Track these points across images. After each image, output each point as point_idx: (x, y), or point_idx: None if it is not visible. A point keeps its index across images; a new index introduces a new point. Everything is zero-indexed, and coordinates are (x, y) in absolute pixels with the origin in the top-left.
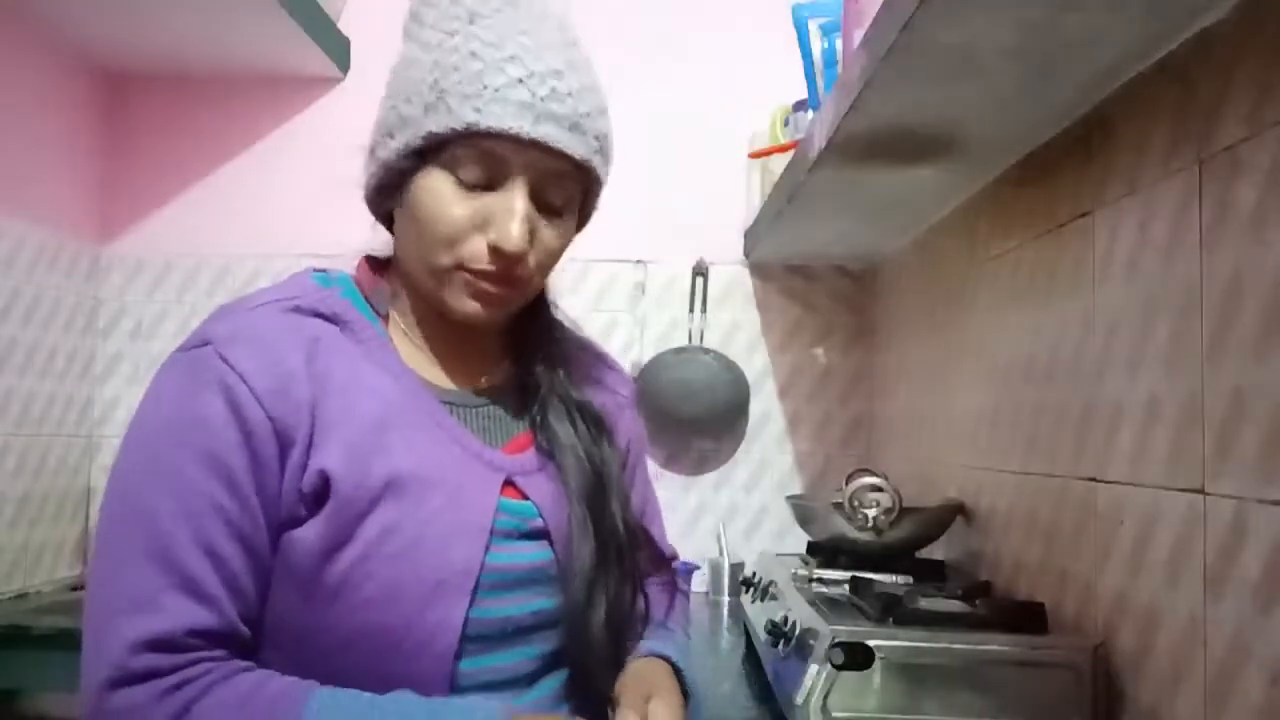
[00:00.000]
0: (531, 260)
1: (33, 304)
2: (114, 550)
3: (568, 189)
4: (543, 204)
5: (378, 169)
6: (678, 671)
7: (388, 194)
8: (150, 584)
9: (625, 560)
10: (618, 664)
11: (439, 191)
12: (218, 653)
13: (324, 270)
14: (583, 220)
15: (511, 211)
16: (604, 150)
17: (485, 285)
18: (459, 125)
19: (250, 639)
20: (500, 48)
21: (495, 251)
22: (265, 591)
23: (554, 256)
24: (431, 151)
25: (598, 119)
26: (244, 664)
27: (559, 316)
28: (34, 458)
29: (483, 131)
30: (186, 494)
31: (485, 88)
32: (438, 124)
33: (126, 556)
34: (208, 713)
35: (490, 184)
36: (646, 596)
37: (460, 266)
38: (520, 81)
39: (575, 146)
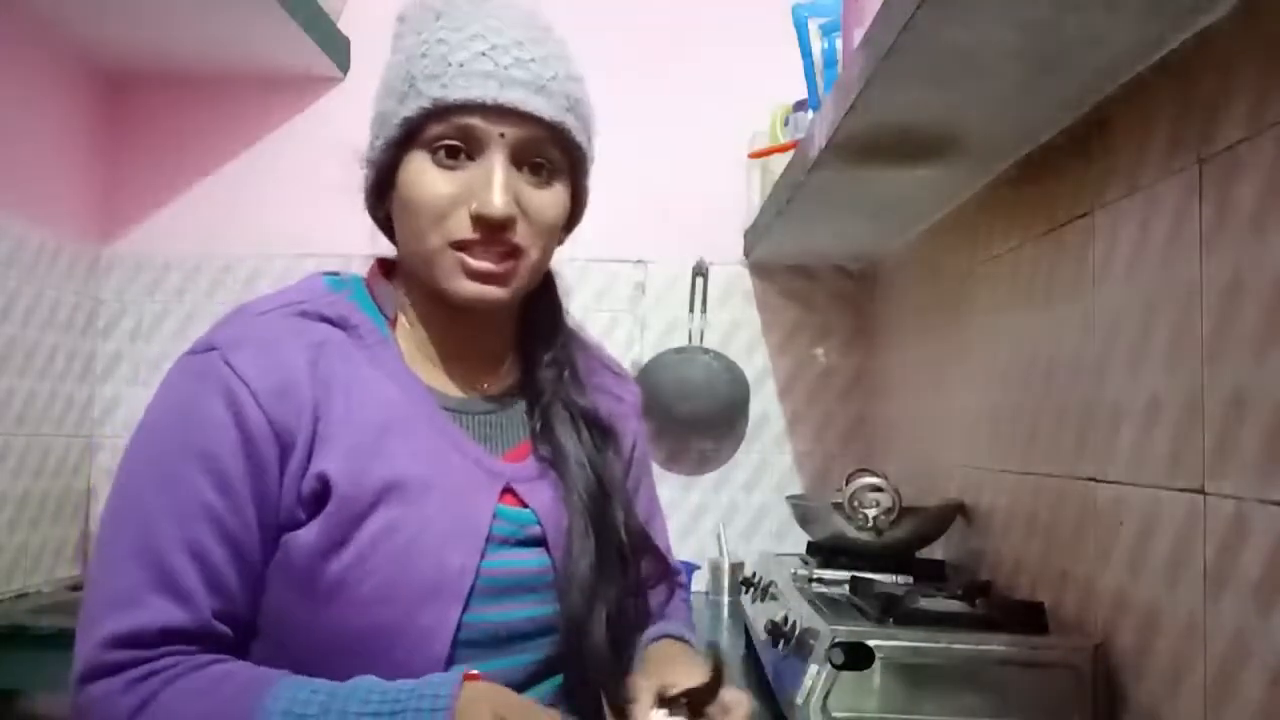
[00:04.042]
0: (522, 228)
1: (33, 304)
2: (107, 549)
3: (547, 153)
4: (526, 172)
5: (369, 171)
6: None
7: (382, 194)
8: (133, 582)
9: (628, 569)
10: (617, 672)
11: (420, 172)
12: (190, 649)
13: (336, 273)
14: (579, 200)
15: (489, 178)
16: (577, 111)
17: (480, 263)
18: (427, 104)
19: (230, 638)
20: (464, 30)
21: (479, 220)
22: (255, 593)
23: (548, 226)
24: (410, 139)
25: (566, 83)
26: (217, 657)
27: (568, 321)
28: (34, 458)
29: (451, 105)
30: (179, 494)
31: (450, 65)
32: (409, 108)
33: (117, 555)
34: (171, 701)
35: (470, 158)
36: (648, 606)
37: (451, 245)
38: (484, 54)
39: (543, 108)
